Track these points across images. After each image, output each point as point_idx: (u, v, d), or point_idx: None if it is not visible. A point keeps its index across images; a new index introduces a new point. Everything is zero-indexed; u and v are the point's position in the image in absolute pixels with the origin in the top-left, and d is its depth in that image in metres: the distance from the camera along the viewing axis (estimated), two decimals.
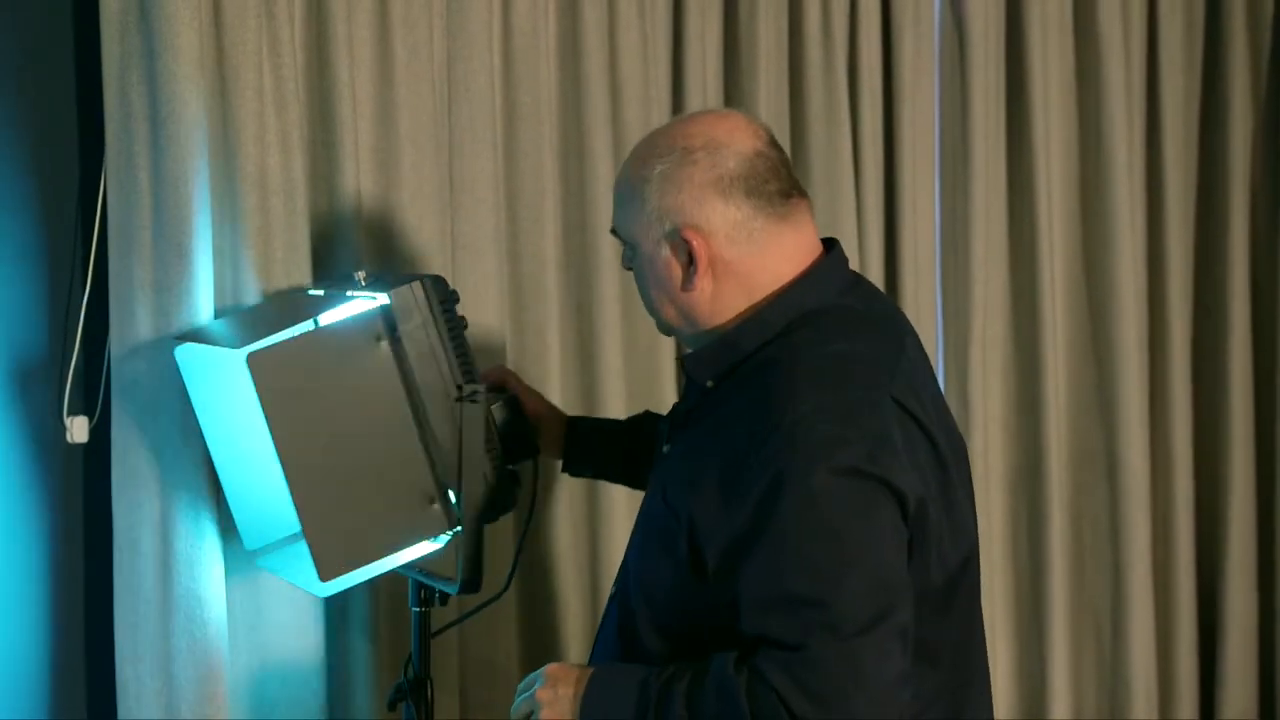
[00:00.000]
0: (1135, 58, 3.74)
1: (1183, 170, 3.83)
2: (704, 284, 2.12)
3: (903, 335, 2.20)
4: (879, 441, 1.99)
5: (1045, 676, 3.67)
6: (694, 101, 3.26)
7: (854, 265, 3.39)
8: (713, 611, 2.03)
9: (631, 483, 2.73)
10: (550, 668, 2.17)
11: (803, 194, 2.17)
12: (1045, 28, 3.63)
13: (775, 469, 1.96)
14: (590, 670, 2.13)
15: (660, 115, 3.24)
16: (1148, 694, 3.72)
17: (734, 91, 3.36)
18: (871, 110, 3.46)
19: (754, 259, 2.12)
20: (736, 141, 2.12)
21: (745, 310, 2.13)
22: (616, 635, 2.21)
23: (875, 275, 3.46)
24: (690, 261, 2.11)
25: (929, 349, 3.52)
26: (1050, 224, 3.64)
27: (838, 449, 1.96)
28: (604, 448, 2.69)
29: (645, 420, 2.70)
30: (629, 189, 2.16)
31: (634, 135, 3.12)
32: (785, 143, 3.40)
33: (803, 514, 1.95)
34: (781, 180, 2.13)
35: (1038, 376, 3.64)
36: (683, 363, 2.27)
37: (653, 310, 2.21)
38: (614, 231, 2.23)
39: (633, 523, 2.32)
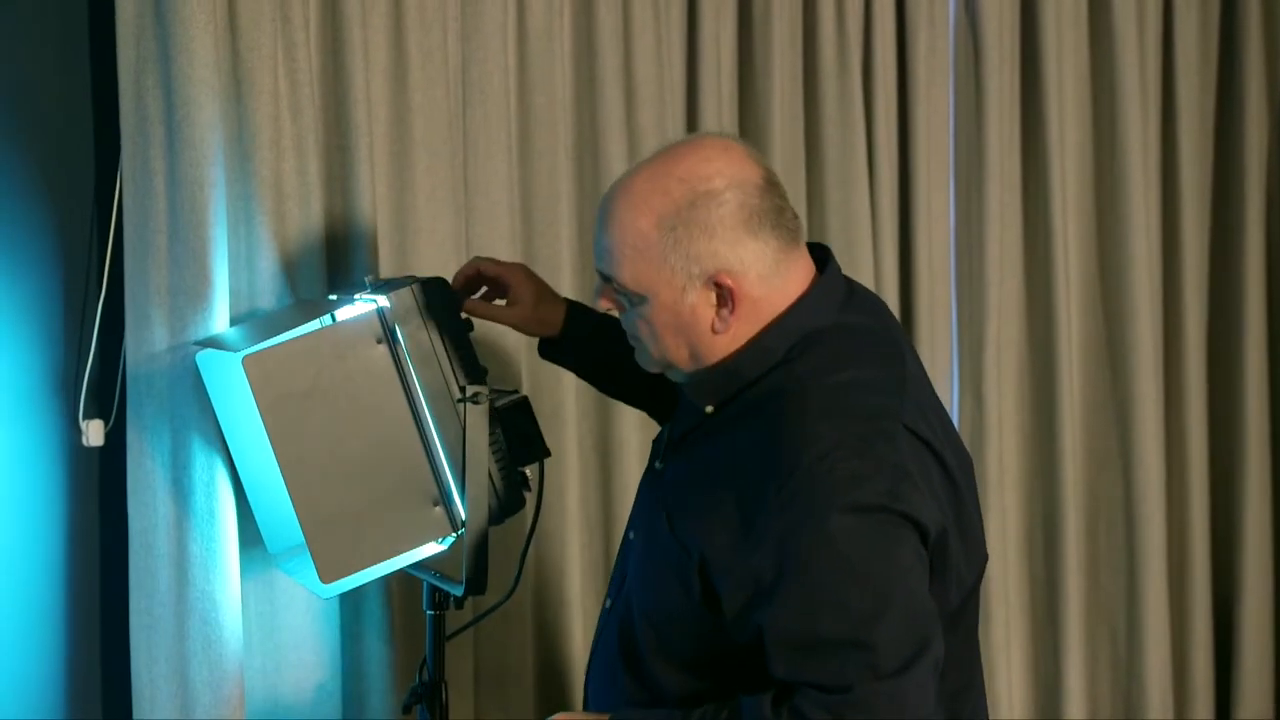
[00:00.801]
0: (1150, 58, 3.73)
1: (1198, 171, 3.82)
2: (734, 324, 2.07)
3: (902, 351, 2.17)
4: (897, 474, 1.97)
5: (1060, 677, 3.67)
6: (709, 104, 3.26)
7: (868, 268, 3.40)
8: (725, 642, 2.03)
9: (601, 386, 2.71)
10: (559, 718, 2.15)
11: (794, 210, 2.13)
12: (1060, 28, 3.62)
13: (797, 511, 1.94)
14: (605, 718, 2.11)
15: (675, 117, 3.24)
16: (1163, 695, 3.72)
17: (748, 94, 3.36)
18: (886, 112, 3.46)
19: (777, 292, 2.08)
20: (750, 174, 2.05)
21: (736, 348, 2.09)
22: (620, 659, 2.19)
23: (890, 277, 3.46)
24: (721, 305, 2.06)
25: (943, 351, 3.53)
26: (1065, 225, 3.63)
27: (859, 487, 1.94)
28: (591, 342, 2.62)
29: None
30: (640, 240, 2.04)
31: (648, 137, 3.12)
32: (799, 145, 3.41)
33: (830, 556, 1.94)
34: (788, 205, 2.10)
35: (1052, 378, 3.64)
36: (679, 389, 2.21)
37: (659, 356, 2.13)
38: (608, 280, 2.10)
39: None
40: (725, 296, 2.05)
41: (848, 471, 1.95)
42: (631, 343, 2.18)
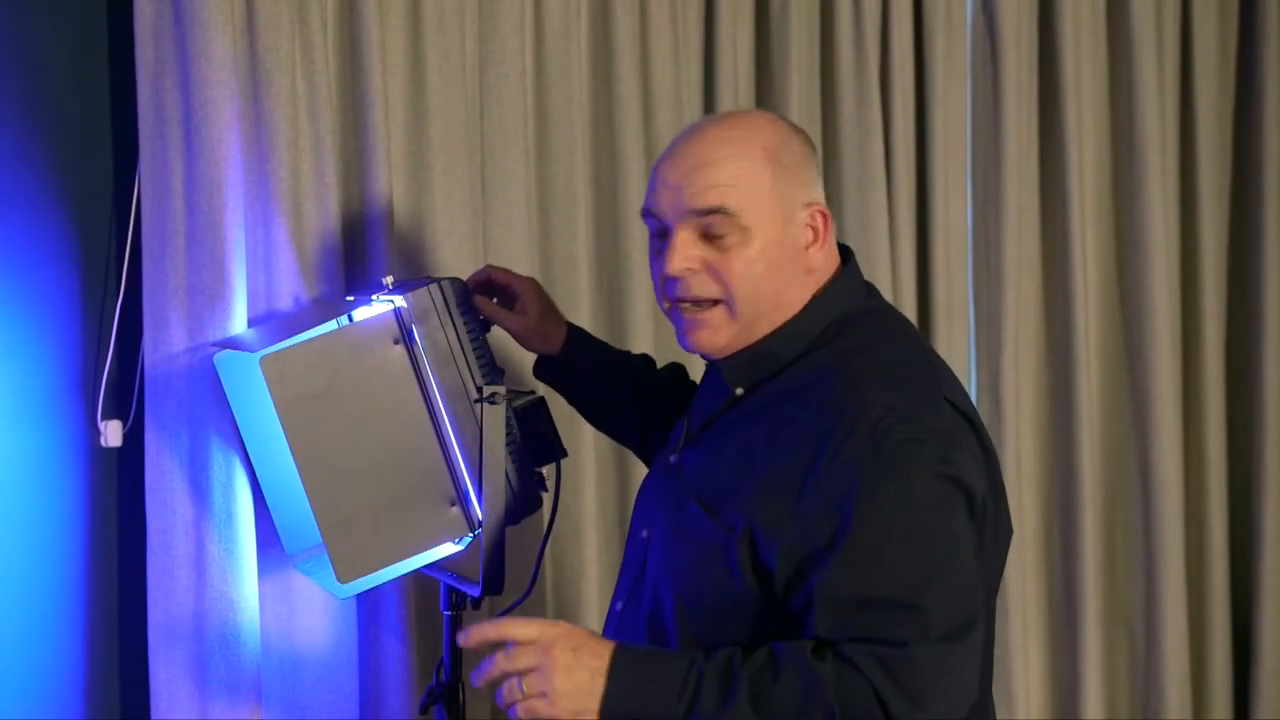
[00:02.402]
0: (1168, 59, 3.72)
1: (1216, 172, 3.82)
2: (819, 260, 2.14)
3: (920, 338, 2.25)
4: (948, 441, 2.01)
5: (1078, 678, 3.66)
6: (726, 104, 3.26)
7: (886, 269, 3.41)
8: (766, 626, 2.02)
9: (589, 413, 2.72)
10: (562, 634, 2.00)
11: None
12: (1078, 29, 3.61)
13: (853, 473, 1.97)
14: (611, 646, 2.01)
15: (692, 118, 3.23)
16: (1181, 695, 3.71)
17: (765, 94, 3.36)
18: (903, 113, 3.45)
19: (830, 251, 2.18)
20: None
21: (785, 320, 2.13)
22: None
23: (907, 278, 3.45)
24: (814, 239, 2.13)
25: (961, 352, 3.53)
26: (1083, 226, 3.63)
27: (915, 452, 1.97)
28: (588, 375, 2.65)
29: (642, 366, 2.70)
30: (753, 172, 2.09)
31: (666, 138, 3.12)
32: (817, 145, 3.40)
33: (887, 517, 1.95)
34: None
35: (1070, 380, 3.63)
36: (710, 370, 2.24)
37: (746, 298, 2.11)
38: (709, 215, 2.09)
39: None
40: (818, 228, 2.14)
41: (903, 435, 1.98)
42: (690, 322, 2.15)
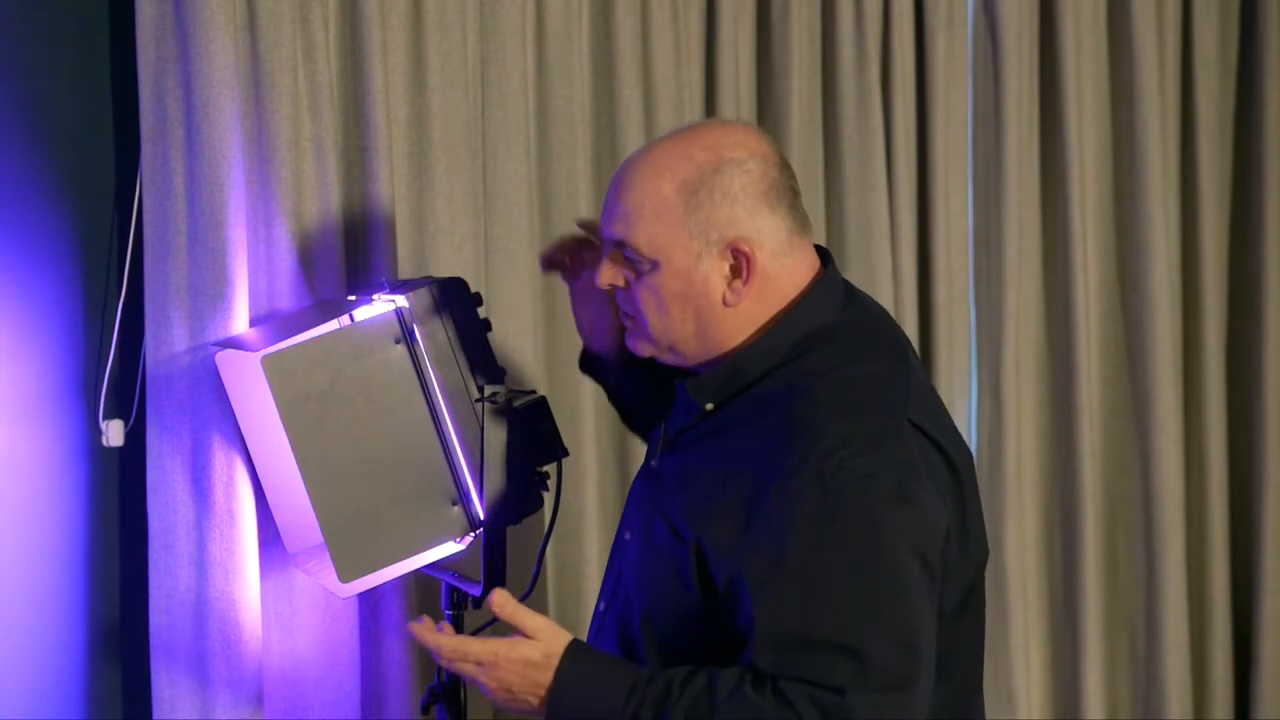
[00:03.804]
0: (1169, 61, 3.72)
1: (1217, 173, 3.82)
2: (746, 298, 2.08)
3: (903, 348, 2.18)
4: (905, 471, 1.98)
5: (1079, 678, 3.66)
6: (727, 105, 3.26)
7: (886, 269, 3.40)
8: (725, 638, 2.02)
9: (630, 418, 2.69)
10: (505, 650, 2.09)
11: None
12: (1079, 31, 3.62)
13: (801, 505, 1.95)
14: (560, 652, 2.05)
15: (693, 118, 3.24)
16: (1182, 696, 3.71)
17: (766, 95, 3.36)
18: (904, 114, 3.46)
19: (785, 274, 2.10)
20: (770, 152, 2.10)
21: (752, 334, 2.11)
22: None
23: (908, 279, 3.45)
24: (735, 275, 2.07)
25: (961, 353, 3.53)
26: (1084, 227, 3.63)
27: (867, 488, 1.95)
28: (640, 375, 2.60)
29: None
30: (660, 203, 2.06)
31: None
32: (817, 146, 3.41)
33: (830, 554, 1.93)
34: (799, 192, 2.14)
35: (1071, 380, 3.63)
36: (678, 386, 2.20)
37: (660, 331, 2.12)
38: (620, 246, 2.11)
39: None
40: (740, 266, 2.07)
41: (856, 470, 1.95)
42: (625, 322, 2.18)
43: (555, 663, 2.05)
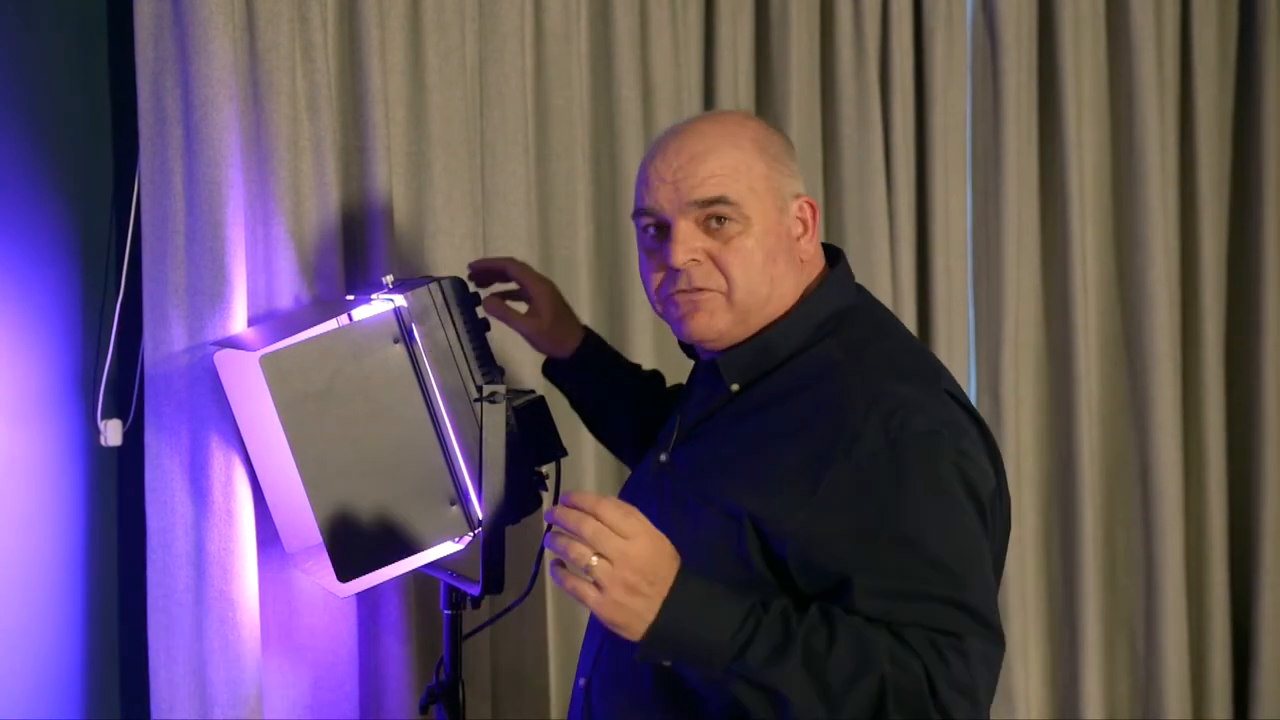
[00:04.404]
0: (1168, 58, 3.72)
1: (1215, 171, 3.82)
2: (809, 251, 2.17)
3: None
4: (958, 431, 2.03)
5: (1078, 678, 3.66)
6: (726, 105, 3.26)
7: (885, 268, 3.41)
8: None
9: (591, 418, 2.72)
10: (645, 547, 1.91)
11: None
12: (1077, 29, 3.62)
13: (874, 465, 1.97)
14: (676, 568, 1.93)
15: None
16: (1181, 695, 3.71)
17: (765, 94, 3.36)
18: (903, 112, 3.46)
19: (818, 244, 2.21)
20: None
21: (780, 313, 2.15)
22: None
23: (907, 278, 3.46)
24: (804, 230, 2.16)
25: (960, 351, 3.53)
26: (1082, 226, 3.63)
27: (935, 442, 1.99)
28: (595, 382, 2.67)
29: (652, 381, 2.71)
30: (747, 164, 2.12)
31: None
32: (816, 145, 3.41)
33: (919, 510, 1.96)
34: None
35: (1070, 379, 3.63)
36: (704, 367, 2.23)
37: (744, 290, 2.11)
38: (712, 205, 2.10)
39: None
40: (806, 219, 2.17)
41: (919, 428, 1.98)
42: (687, 306, 2.14)
43: (678, 563, 1.94)
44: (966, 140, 3.57)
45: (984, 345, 3.60)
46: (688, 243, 2.11)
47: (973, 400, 3.55)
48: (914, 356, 2.14)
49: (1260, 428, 3.83)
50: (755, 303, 2.13)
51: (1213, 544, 3.81)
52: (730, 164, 2.12)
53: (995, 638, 1.98)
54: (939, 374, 2.12)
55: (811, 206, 2.18)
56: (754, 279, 2.12)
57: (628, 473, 3.18)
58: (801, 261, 2.16)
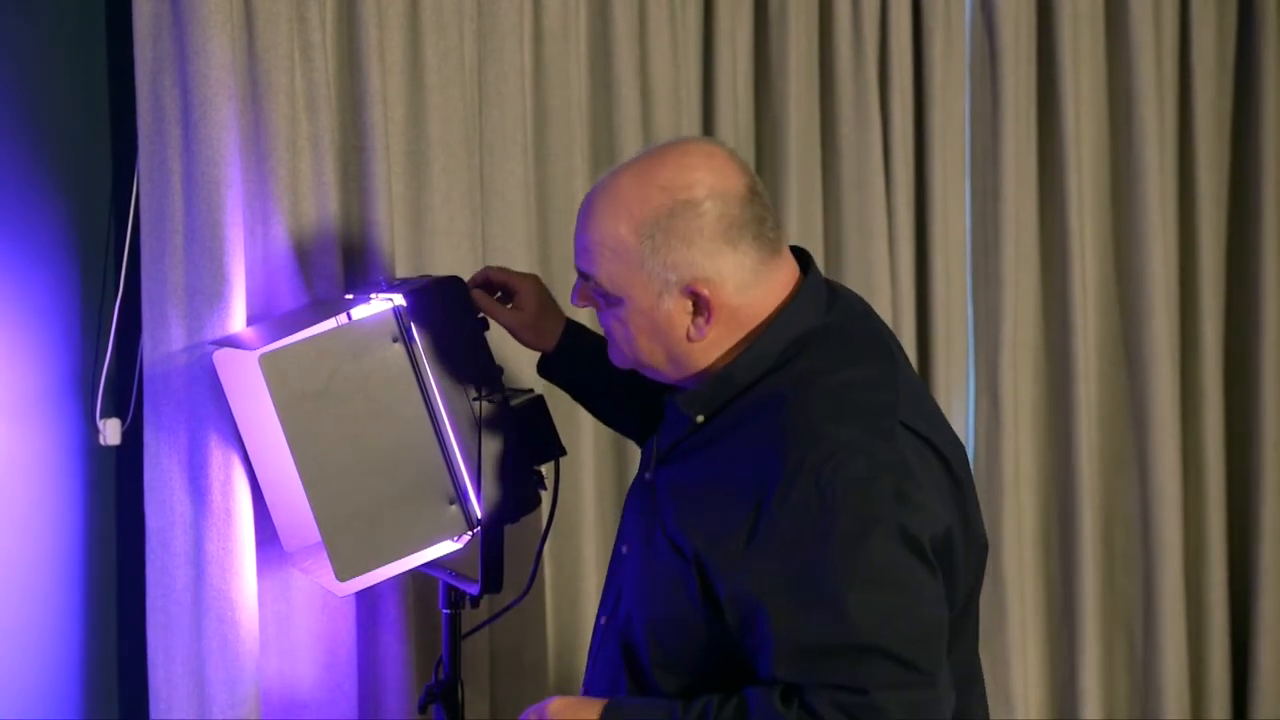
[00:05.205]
0: (1167, 59, 3.72)
1: (1215, 172, 3.82)
2: (714, 330, 2.06)
3: (890, 348, 2.17)
4: (901, 473, 1.97)
5: (1076, 678, 3.66)
6: (724, 104, 3.26)
7: (884, 269, 3.40)
8: (729, 648, 2.02)
9: (592, 407, 2.70)
10: (556, 703, 2.13)
11: (777, 218, 2.13)
12: (1076, 30, 3.62)
13: (802, 514, 1.94)
14: (603, 702, 2.10)
15: (690, 118, 3.24)
16: (1179, 695, 3.71)
17: (764, 94, 3.36)
18: (902, 112, 3.46)
19: (756, 301, 2.07)
20: (733, 184, 2.05)
21: (736, 344, 2.09)
22: (623, 672, 2.16)
23: (906, 279, 3.45)
24: (698, 314, 2.06)
25: (959, 352, 3.53)
26: (1081, 226, 3.63)
27: (868, 490, 1.94)
28: (587, 371, 2.62)
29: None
30: (618, 244, 2.04)
31: (664, 138, 3.11)
32: (815, 146, 3.41)
33: (842, 561, 1.93)
34: (771, 213, 2.09)
35: (1069, 379, 3.63)
36: (667, 402, 2.18)
37: (632, 356, 2.13)
38: (587, 278, 2.10)
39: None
40: (701, 306, 2.05)
41: (853, 474, 1.94)
42: (606, 336, 2.18)
43: (600, 707, 2.09)
44: (965, 140, 3.57)
45: (983, 345, 3.59)
46: (579, 295, 2.15)
47: (971, 401, 3.57)
48: (865, 390, 2.05)
49: (1259, 428, 3.83)
50: (649, 365, 2.13)
51: (1211, 544, 3.80)
52: (600, 243, 2.06)
53: (926, 681, 1.94)
54: (894, 405, 2.04)
55: (704, 297, 2.03)
56: (631, 348, 2.12)
57: (626, 473, 3.20)
58: (695, 340, 2.07)
